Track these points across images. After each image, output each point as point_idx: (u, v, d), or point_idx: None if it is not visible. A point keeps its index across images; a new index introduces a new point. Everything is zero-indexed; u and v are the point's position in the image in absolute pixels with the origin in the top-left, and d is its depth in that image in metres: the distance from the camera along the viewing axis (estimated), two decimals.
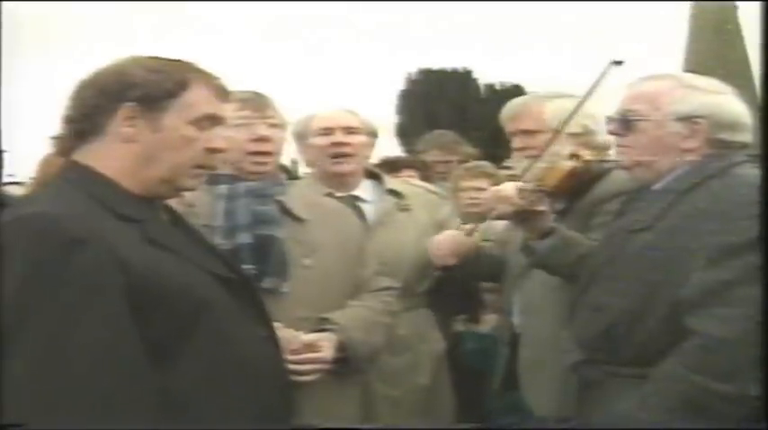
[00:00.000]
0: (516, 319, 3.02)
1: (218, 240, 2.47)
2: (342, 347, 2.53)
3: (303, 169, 3.61)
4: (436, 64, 29.08)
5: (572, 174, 2.79)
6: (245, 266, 2.42)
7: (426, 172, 4.68)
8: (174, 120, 1.85)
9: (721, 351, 2.08)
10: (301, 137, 3.30)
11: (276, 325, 2.09)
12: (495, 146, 5.14)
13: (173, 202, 2.04)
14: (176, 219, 2.01)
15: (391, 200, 3.28)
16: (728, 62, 14.52)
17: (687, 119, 2.33)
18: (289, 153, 3.06)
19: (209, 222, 2.54)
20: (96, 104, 1.84)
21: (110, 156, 1.84)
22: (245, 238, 2.58)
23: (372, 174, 3.38)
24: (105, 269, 1.67)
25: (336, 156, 3.21)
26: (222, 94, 1.94)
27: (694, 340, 2.11)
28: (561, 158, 2.80)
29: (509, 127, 3.15)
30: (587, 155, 2.84)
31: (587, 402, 2.37)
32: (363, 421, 2.79)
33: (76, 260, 1.64)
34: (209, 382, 1.80)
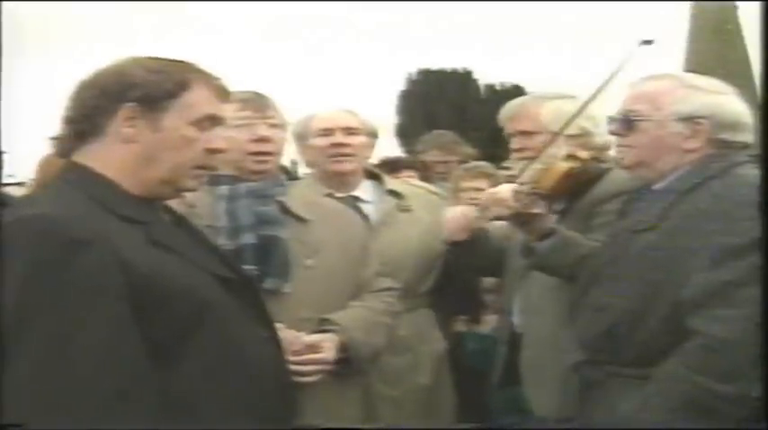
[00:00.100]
0: (517, 319, 3.03)
1: (222, 241, 2.47)
2: (343, 348, 2.53)
3: (303, 170, 3.60)
4: (436, 64, 29.12)
5: (569, 175, 2.79)
6: (247, 267, 2.42)
7: (426, 172, 4.69)
8: (175, 120, 1.84)
9: (723, 351, 2.08)
10: (301, 137, 3.30)
11: (278, 325, 2.09)
12: (494, 146, 5.14)
13: (174, 203, 2.04)
14: (178, 220, 2.01)
15: (392, 200, 3.27)
16: (728, 62, 14.53)
17: (689, 119, 2.33)
18: (288, 153, 3.06)
19: (211, 223, 2.54)
20: (96, 105, 1.83)
21: (110, 157, 1.84)
22: (248, 239, 2.58)
23: (372, 175, 3.38)
24: (107, 270, 1.67)
25: (336, 156, 3.21)
26: (222, 94, 1.94)
27: (696, 340, 2.11)
28: (558, 160, 2.81)
29: (507, 128, 3.15)
30: (584, 155, 2.85)
31: (589, 402, 2.37)
32: (364, 421, 2.79)
33: (78, 261, 1.64)
34: (211, 383, 1.79)
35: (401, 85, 29.03)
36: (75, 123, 1.86)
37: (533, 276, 2.89)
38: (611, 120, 2.47)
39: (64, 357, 1.60)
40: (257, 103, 2.75)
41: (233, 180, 2.68)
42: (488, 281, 3.55)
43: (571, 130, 2.89)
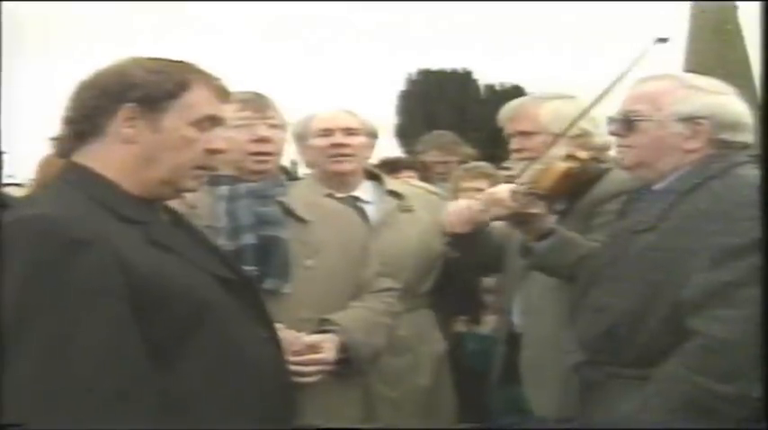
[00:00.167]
0: (517, 319, 3.03)
1: (222, 241, 2.47)
2: (344, 348, 2.53)
3: (303, 170, 3.60)
4: (436, 64, 29.11)
5: (567, 175, 2.79)
6: (247, 267, 2.42)
7: (426, 173, 4.69)
8: (175, 120, 1.84)
9: (723, 352, 2.08)
10: (301, 137, 3.30)
11: (278, 326, 2.09)
12: (494, 147, 5.13)
13: (174, 203, 2.04)
14: (178, 220, 2.01)
15: (392, 201, 3.27)
16: (728, 62, 14.52)
17: (689, 119, 2.32)
18: (288, 154, 3.06)
19: (211, 223, 2.54)
20: (96, 105, 1.83)
21: (110, 158, 1.84)
22: (249, 239, 2.58)
23: (372, 175, 3.37)
24: (107, 270, 1.67)
25: (336, 156, 3.21)
26: (223, 94, 1.93)
27: (696, 341, 2.11)
28: (557, 160, 2.81)
29: (507, 128, 3.15)
30: (584, 155, 2.85)
31: (589, 403, 2.37)
32: (364, 422, 2.79)
33: (78, 261, 1.64)
34: (211, 384, 1.79)
35: (401, 86, 29.06)
36: (75, 124, 1.86)
37: (533, 276, 2.89)
38: (611, 120, 2.47)
39: (64, 357, 1.60)
40: (257, 104, 2.75)
41: (233, 180, 2.69)
42: (488, 281, 3.54)
43: (570, 131, 2.90)
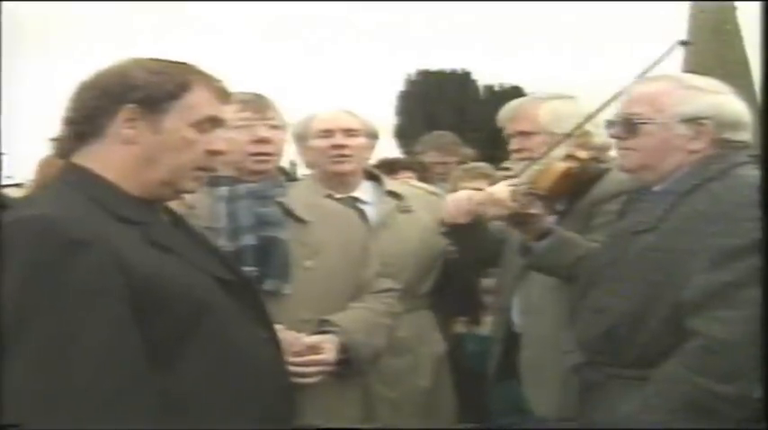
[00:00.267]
0: (516, 319, 3.03)
1: (222, 242, 2.47)
2: (344, 349, 2.53)
3: (302, 171, 3.60)
4: (436, 64, 29.12)
5: (567, 175, 2.79)
6: (247, 268, 2.42)
7: (424, 173, 4.68)
8: (175, 122, 1.84)
9: (723, 352, 2.08)
10: (301, 138, 3.30)
11: (278, 327, 2.09)
12: (494, 147, 5.14)
13: (174, 204, 2.04)
14: (177, 221, 2.00)
15: (392, 201, 3.27)
16: (727, 62, 14.54)
17: (692, 120, 2.32)
18: (287, 155, 3.06)
19: (211, 224, 2.54)
20: (97, 106, 1.83)
21: (110, 158, 1.84)
22: (248, 240, 2.58)
23: (372, 176, 3.37)
24: (106, 271, 1.67)
25: (336, 157, 3.21)
26: (223, 96, 1.93)
27: (696, 342, 2.11)
28: (556, 160, 2.81)
29: (507, 129, 3.15)
30: (583, 155, 2.85)
31: (589, 404, 2.37)
32: (364, 422, 2.79)
33: (77, 262, 1.64)
34: (211, 384, 1.79)
35: (400, 86, 29.06)
36: (75, 124, 1.86)
37: (533, 276, 2.89)
38: (611, 123, 2.46)
39: (63, 358, 1.60)
40: (257, 105, 2.75)
41: (233, 181, 2.69)
42: (488, 282, 3.54)
43: (569, 130, 2.90)
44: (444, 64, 29.15)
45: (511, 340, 3.01)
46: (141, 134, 1.83)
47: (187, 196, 2.13)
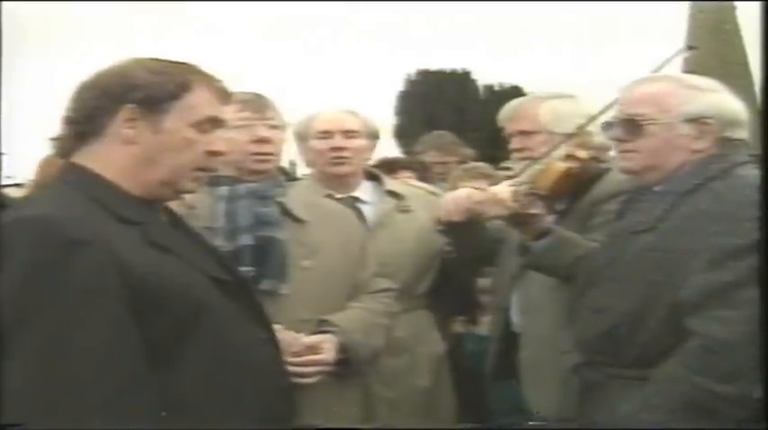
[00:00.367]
0: (515, 319, 3.03)
1: (220, 242, 2.48)
2: (342, 349, 2.54)
3: (301, 171, 3.61)
4: (436, 64, 29.10)
5: (567, 175, 2.79)
6: (245, 268, 2.42)
7: (424, 173, 4.68)
8: (176, 122, 1.84)
9: (723, 352, 2.08)
10: (302, 137, 3.30)
11: (277, 327, 2.09)
12: (493, 147, 5.14)
13: (173, 204, 2.04)
14: (176, 221, 2.00)
15: (391, 201, 3.27)
16: (727, 62, 14.56)
17: (696, 119, 2.32)
18: (287, 154, 3.06)
19: (210, 224, 2.54)
20: (97, 105, 1.83)
21: (109, 158, 1.83)
22: (246, 240, 2.59)
23: (372, 176, 3.37)
24: (105, 271, 1.67)
25: (334, 159, 3.21)
26: (224, 96, 1.93)
27: (696, 341, 2.11)
28: (556, 159, 2.81)
29: (507, 128, 3.15)
30: (583, 155, 2.85)
31: (589, 404, 2.37)
32: (364, 422, 2.79)
33: (76, 262, 1.64)
34: (209, 385, 1.79)
35: (400, 86, 29.06)
36: (75, 124, 1.86)
37: (531, 276, 2.89)
38: (611, 125, 2.44)
39: (62, 358, 1.60)
40: (257, 104, 2.75)
41: (232, 181, 2.69)
42: (486, 281, 3.54)
43: (570, 130, 2.90)
44: (444, 64, 29.15)
45: (509, 339, 3.01)
46: (141, 134, 1.83)
47: (187, 196, 2.13)
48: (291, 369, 2.24)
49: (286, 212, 2.68)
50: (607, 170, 2.87)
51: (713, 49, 15.29)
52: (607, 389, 2.30)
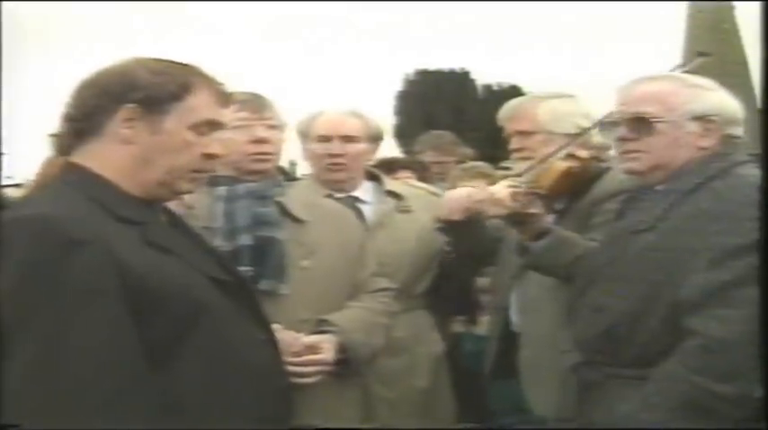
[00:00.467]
0: (515, 318, 3.03)
1: (219, 242, 2.47)
2: (342, 349, 2.54)
3: (301, 171, 3.60)
4: (436, 64, 29.11)
5: (567, 174, 2.79)
6: (244, 268, 2.42)
7: (423, 173, 4.68)
8: (175, 123, 1.84)
9: (722, 352, 2.07)
10: (303, 136, 3.28)
11: (276, 327, 2.09)
12: (492, 146, 5.15)
13: (172, 204, 2.04)
14: (175, 221, 2.00)
15: (391, 201, 3.27)
16: (726, 62, 14.56)
17: (702, 117, 2.32)
18: (287, 154, 3.06)
19: (209, 224, 2.54)
20: (97, 104, 1.83)
21: (107, 157, 1.83)
22: (245, 240, 2.58)
23: (373, 176, 3.37)
24: (104, 271, 1.67)
25: (331, 165, 3.20)
26: (223, 99, 1.93)
27: (695, 341, 2.10)
28: (556, 159, 2.81)
29: (506, 128, 3.14)
30: (583, 155, 2.85)
31: (588, 403, 2.36)
32: (363, 422, 2.79)
33: (75, 262, 1.64)
34: (208, 385, 1.79)
35: (399, 86, 29.05)
36: (74, 122, 1.86)
37: (530, 275, 2.89)
38: (615, 124, 2.43)
39: (61, 358, 1.60)
40: (255, 105, 2.75)
41: (232, 181, 2.69)
42: (485, 281, 3.55)
43: (570, 130, 2.90)
44: (444, 64, 29.17)
45: (509, 339, 3.01)
46: (139, 134, 1.83)
47: (186, 196, 2.13)
48: (291, 369, 2.24)
49: (285, 212, 2.68)
50: (607, 169, 2.87)
51: (712, 48, 15.29)
52: (606, 389, 2.29)
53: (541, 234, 2.70)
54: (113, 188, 1.82)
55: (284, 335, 2.23)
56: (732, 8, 16.08)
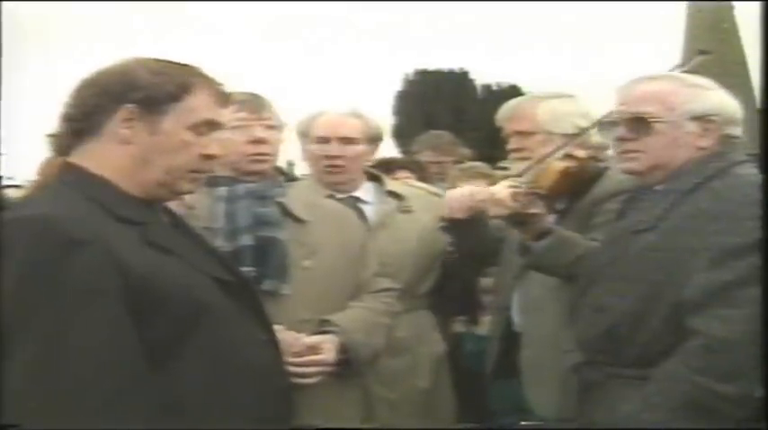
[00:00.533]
0: (516, 318, 3.03)
1: (220, 242, 2.47)
2: (343, 349, 2.54)
3: (300, 171, 3.60)
4: (436, 64, 29.12)
5: (566, 174, 2.79)
6: (245, 268, 2.42)
7: (422, 173, 4.68)
8: (174, 124, 1.84)
9: (724, 352, 2.07)
10: (303, 136, 3.28)
11: (278, 327, 2.09)
12: (491, 147, 5.14)
13: (172, 204, 2.04)
14: (176, 222, 2.00)
15: (392, 202, 3.26)
16: (725, 61, 14.55)
17: (701, 117, 2.32)
18: (285, 154, 3.06)
19: (210, 224, 2.54)
20: (97, 104, 1.83)
21: (106, 157, 1.83)
22: (246, 240, 2.58)
23: (373, 176, 3.37)
24: (104, 271, 1.67)
25: (328, 167, 3.20)
26: (223, 99, 1.93)
27: (697, 341, 2.10)
28: (555, 159, 2.81)
29: (505, 128, 3.14)
30: (582, 154, 2.85)
31: (589, 403, 2.36)
32: (364, 422, 2.78)
33: (75, 262, 1.64)
34: (209, 385, 1.79)
35: (398, 86, 29.05)
36: (73, 121, 1.86)
37: (532, 275, 2.89)
38: (614, 124, 2.43)
39: (61, 358, 1.61)
40: (253, 105, 2.75)
41: (232, 181, 2.69)
42: (486, 281, 3.55)
43: (569, 130, 2.90)
44: (444, 64, 29.19)
45: (510, 339, 3.01)
46: (138, 134, 1.83)
47: (186, 196, 2.13)
48: (292, 369, 2.25)
49: (287, 212, 2.68)
50: (605, 169, 2.87)
51: (711, 48, 15.28)
52: (607, 389, 2.29)
53: (542, 234, 2.70)
54: (113, 188, 1.82)
55: (285, 336, 2.23)
56: (732, 8, 16.08)
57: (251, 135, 2.70)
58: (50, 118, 1.96)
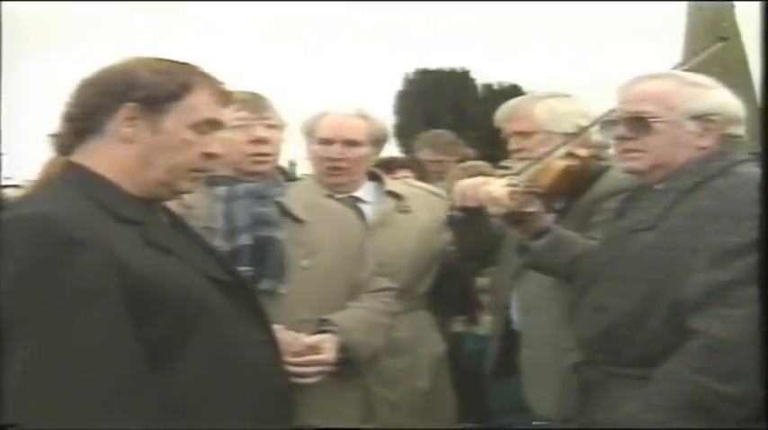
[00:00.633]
0: (516, 318, 3.03)
1: (218, 242, 2.47)
2: (343, 349, 2.54)
3: (301, 171, 3.59)
4: (436, 64, 29.12)
5: (566, 173, 2.78)
6: (244, 268, 2.42)
7: (422, 172, 4.68)
8: (175, 122, 1.84)
9: (725, 351, 2.07)
10: (307, 136, 3.27)
11: (277, 327, 2.09)
12: (492, 146, 5.14)
13: (172, 204, 2.04)
14: (175, 221, 2.00)
15: (391, 201, 3.26)
16: (726, 61, 14.51)
17: (702, 116, 2.31)
18: (286, 154, 3.05)
19: (209, 224, 2.54)
20: (98, 103, 1.83)
21: (108, 157, 1.84)
22: (245, 240, 2.58)
23: (374, 176, 3.36)
24: (103, 270, 1.67)
25: (331, 169, 3.19)
26: (224, 98, 1.93)
27: (698, 340, 2.10)
28: (555, 158, 2.80)
29: (505, 129, 3.14)
30: (583, 153, 2.85)
31: (589, 403, 2.36)
32: (364, 422, 2.78)
33: (75, 261, 1.64)
34: (208, 385, 1.80)
35: (399, 86, 29.06)
36: (75, 121, 1.86)
37: (531, 274, 2.89)
38: (615, 123, 2.43)
39: (61, 357, 1.60)
40: (254, 104, 2.74)
41: (231, 181, 2.68)
42: (486, 281, 3.55)
43: (569, 129, 2.90)
44: (444, 64, 29.19)
45: (510, 338, 3.01)
46: (140, 133, 1.83)
47: (186, 196, 2.13)
48: (292, 369, 2.25)
49: (286, 212, 2.68)
50: (606, 168, 2.87)
51: (711, 47, 15.26)
52: (608, 389, 2.29)
53: (541, 233, 2.70)
54: (114, 188, 1.83)
55: (285, 336, 2.23)
56: (732, 7, 16.05)
57: (252, 134, 2.70)
58: (51, 118, 1.96)
